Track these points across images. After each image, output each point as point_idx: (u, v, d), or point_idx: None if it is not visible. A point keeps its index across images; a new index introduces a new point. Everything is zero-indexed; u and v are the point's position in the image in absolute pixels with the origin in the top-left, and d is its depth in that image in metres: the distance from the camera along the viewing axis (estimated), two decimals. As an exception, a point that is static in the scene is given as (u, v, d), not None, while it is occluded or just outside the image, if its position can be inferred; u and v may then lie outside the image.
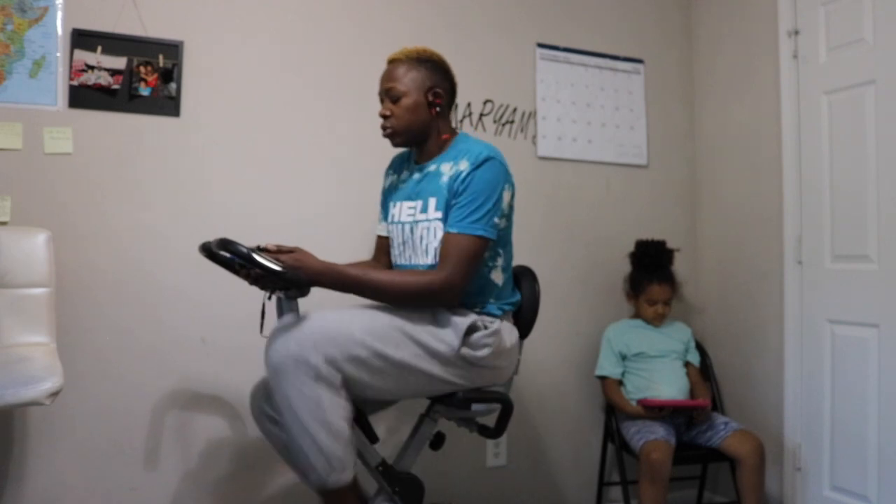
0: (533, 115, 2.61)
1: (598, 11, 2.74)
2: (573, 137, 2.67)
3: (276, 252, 1.56)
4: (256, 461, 2.18)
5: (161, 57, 2.09)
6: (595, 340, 2.59)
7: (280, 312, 1.65)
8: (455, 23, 2.49)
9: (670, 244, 2.57)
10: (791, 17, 2.45)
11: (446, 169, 1.76)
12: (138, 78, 2.07)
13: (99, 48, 2.03)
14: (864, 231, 2.22)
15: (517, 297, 1.89)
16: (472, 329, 1.68)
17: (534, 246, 2.53)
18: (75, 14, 2.01)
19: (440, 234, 1.74)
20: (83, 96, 2.02)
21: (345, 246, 2.22)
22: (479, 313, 1.75)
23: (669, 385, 2.40)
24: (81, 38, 2.01)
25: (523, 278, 1.96)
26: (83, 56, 2.01)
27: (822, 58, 2.36)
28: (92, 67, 2.02)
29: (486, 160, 1.70)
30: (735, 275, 2.70)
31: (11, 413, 1.93)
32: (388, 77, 1.80)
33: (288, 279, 1.52)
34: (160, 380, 2.10)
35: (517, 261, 2.00)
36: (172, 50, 2.11)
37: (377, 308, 1.67)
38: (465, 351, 1.66)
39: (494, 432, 1.82)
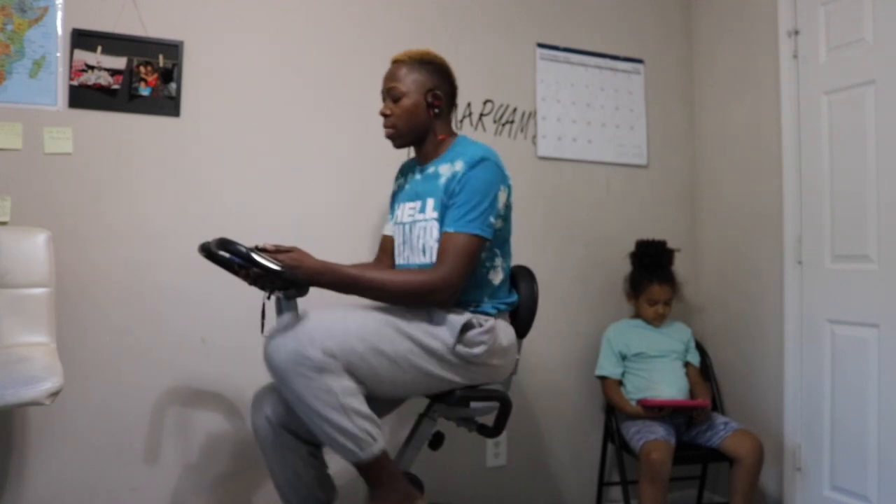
0: (533, 115, 2.61)
1: (598, 11, 2.75)
2: (573, 137, 2.68)
3: (274, 252, 1.57)
4: (257, 461, 2.17)
5: (161, 57, 2.09)
6: (595, 340, 2.60)
7: (279, 312, 1.65)
8: (455, 23, 2.49)
9: (670, 244, 2.57)
10: (791, 17, 2.45)
11: (444, 170, 1.79)
12: (138, 78, 2.08)
13: (99, 48, 2.03)
14: (864, 231, 2.22)
15: (514, 297, 1.90)
16: (466, 327, 1.70)
17: (534, 246, 2.53)
18: (75, 14, 2.01)
19: (436, 233, 1.77)
20: (83, 96, 2.02)
21: (344, 246, 2.22)
22: (473, 311, 1.77)
23: (669, 385, 2.40)
24: (81, 38, 2.02)
25: (521, 278, 1.97)
26: (83, 56, 2.01)
27: (822, 58, 2.36)
28: (92, 67, 2.02)
29: (481, 160, 1.73)
30: (735, 275, 2.70)
31: (11, 413, 1.93)
32: (390, 77, 1.85)
33: (286, 279, 1.52)
34: (160, 380, 2.10)
35: (517, 261, 2.00)
36: (172, 50, 2.11)
37: (373, 307, 1.69)
38: (461, 348, 1.68)
39: (493, 431, 1.82)
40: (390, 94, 1.83)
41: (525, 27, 2.61)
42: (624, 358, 2.49)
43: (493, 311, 1.81)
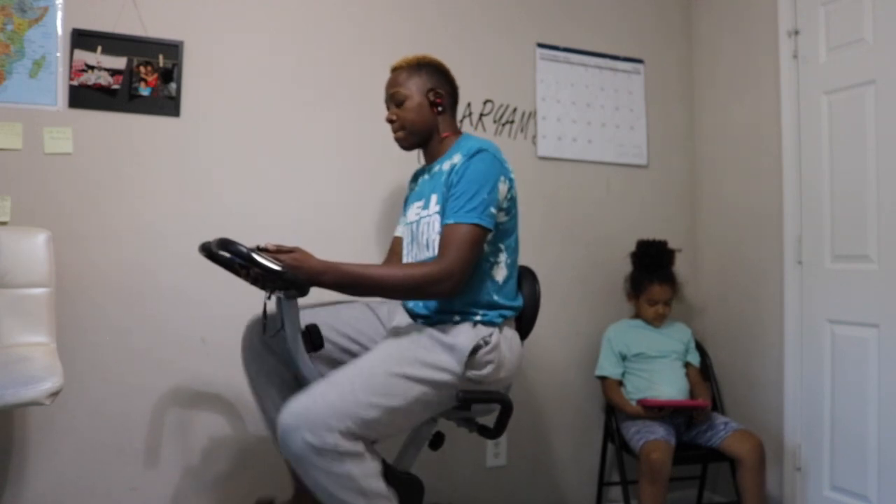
0: (533, 115, 2.61)
1: (598, 11, 2.74)
2: (573, 137, 2.67)
3: (275, 252, 1.56)
4: (257, 461, 2.18)
5: (161, 57, 2.09)
6: (595, 340, 2.59)
7: (280, 312, 1.65)
8: (455, 23, 2.49)
9: (671, 244, 2.57)
10: (791, 17, 2.45)
11: (446, 166, 1.80)
12: (138, 78, 2.08)
13: (99, 48, 2.03)
14: (864, 231, 2.22)
15: (519, 301, 1.88)
16: (474, 350, 1.68)
17: (534, 246, 2.53)
18: (75, 14, 2.02)
19: (438, 226, 1.76)
20: (83, 96, 2.02)
21: (344, 246, 2.22)
22: (476, 323, 1.74)
23: (669, 385, 2.40)
24: (81, 38, 2.01)
25: (524, 278, 1.95)
26: (83, 56, 2.01)
27: (822, 58, 2.36)
28: (92, 67, 2.02)
29: (478, 151, 1.74)
30: (735, 275, 2.70)
31: (11, 413, 1.93)
32: (391, 83, 1.89)
33: (288, 279, 1.52)
34: (160, 380, 2.10)
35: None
36: (172, 50, 2.11)
37: (369, 362, 1.64)
38: (470, 373, 1.68)
39: (494, 432, 1.82)
40: (393, 99, 1.86)
41: (525, 27, 2.61)
42: (624, 358, 2.49)
43: (499, 321, 1.77)
